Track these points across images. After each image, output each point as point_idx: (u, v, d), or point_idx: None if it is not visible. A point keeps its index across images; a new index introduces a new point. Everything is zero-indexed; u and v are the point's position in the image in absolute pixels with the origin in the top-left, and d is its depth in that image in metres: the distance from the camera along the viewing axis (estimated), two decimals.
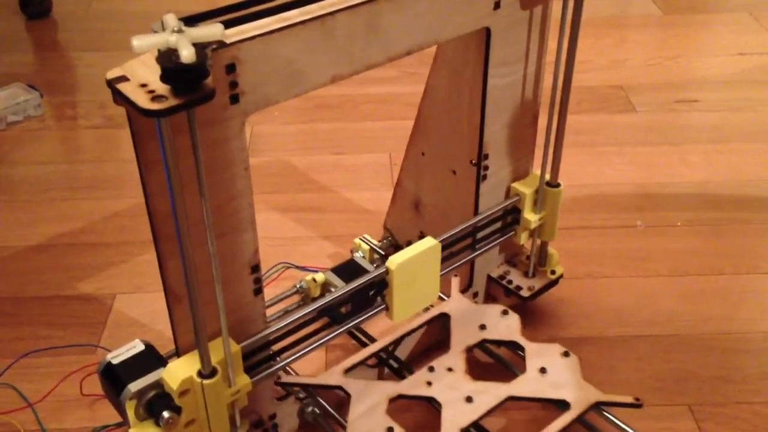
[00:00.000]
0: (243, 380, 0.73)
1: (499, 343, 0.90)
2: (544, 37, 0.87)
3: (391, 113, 1.54)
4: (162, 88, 0.53)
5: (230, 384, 0.72)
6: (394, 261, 0.80)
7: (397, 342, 0.88)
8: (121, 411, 0.71)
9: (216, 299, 0.66)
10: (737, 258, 1.17)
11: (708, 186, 1.33)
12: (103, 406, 0.93)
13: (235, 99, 0.64)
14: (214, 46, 0.60)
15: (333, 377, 0.83)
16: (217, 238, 0.64)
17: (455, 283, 0.94)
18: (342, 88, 1.42)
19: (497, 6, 0.80)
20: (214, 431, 0.72)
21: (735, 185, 1.33)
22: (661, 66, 1.72)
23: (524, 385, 0.83)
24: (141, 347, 0.74)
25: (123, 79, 0.55)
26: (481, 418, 0.80)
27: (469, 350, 0.88)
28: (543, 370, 0.84)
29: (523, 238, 0.97)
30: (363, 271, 0.95)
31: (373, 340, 0.93)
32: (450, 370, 0.85)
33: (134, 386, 0.70)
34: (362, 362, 0.86)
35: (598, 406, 0.81)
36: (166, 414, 0.69)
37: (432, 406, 0.82)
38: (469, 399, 0.81)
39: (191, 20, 0.60)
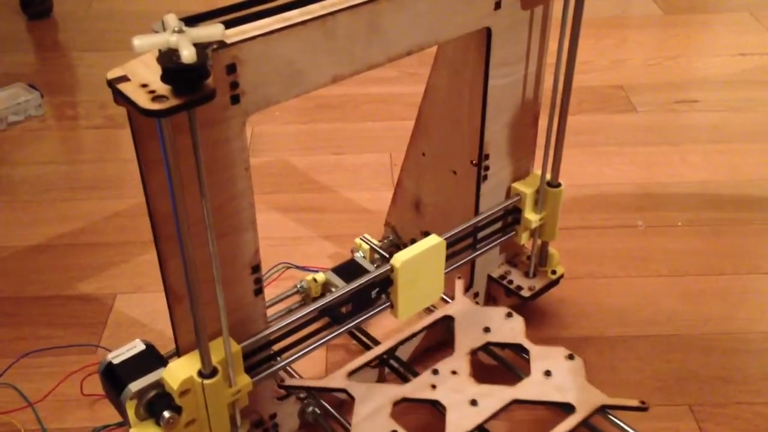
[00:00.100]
0: (243, 380, 0.73)
1: (503, 345, 0.89)
2: (545, 37, 0.87)
3: (392, 113, 1.54)
4: (163, 88, 0.53)
5: (231, 384, 0.72)
6: (399, 258, 0.80)
7: (400, 343, 0.88)
8: (122, 411, 0.71)
9: (216, 299, 0.66)
10: (738, 258, 1.17)
11: (708, 186, 1.33)
12: (103, 406, 0.93)
13: (235, 99, 0.64)
14: (215, 47, 0.60)
15: (337, 380, 0.83)
16: (217, 238, 0.64)
17: (459, 285, 0.94)
18: (343, 89, 1.42)
19: (498, 6, 0.80)
20: (215, 431, 0.72)
21: (735, 185, 1.33)
22: (661, 66, 1.72)
23: (529, 389, 0.83)
24: (141, 347, 0.74)
25: (124, 79, 0.55)
26: (486, 421, 0.80)
27: (474, 353, 0.87)
28: (548, 373, 0.84)
29: (524, 238, 0.97)
30: (363, 271, 0.95)
31: (374, 340, 0.93)
32: (454, 373, 0.84)
33: (135, 386, 0.70)
34: (366, 365, 0.86)
35: (603, 410, 0.81)
36: (166, 414, 0.69)
37: (436, 409, 0.82)
38: (473, 402, 0.81)
39: (192, 20, 0.60)
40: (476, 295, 1.02)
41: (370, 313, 0.84)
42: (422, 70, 0.95)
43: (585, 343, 1.02)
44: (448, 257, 0.88)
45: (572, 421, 0.79)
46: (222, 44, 0.60)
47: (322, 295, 0.98)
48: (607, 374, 0.98)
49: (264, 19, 0.64)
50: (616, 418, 0.82)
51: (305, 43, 0.66)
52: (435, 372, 0.84)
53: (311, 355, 0.81)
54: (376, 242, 1.05)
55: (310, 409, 0.87)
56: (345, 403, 0.88)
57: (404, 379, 0.87)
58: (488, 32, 0.81)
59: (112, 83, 0.55)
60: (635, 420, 0.82)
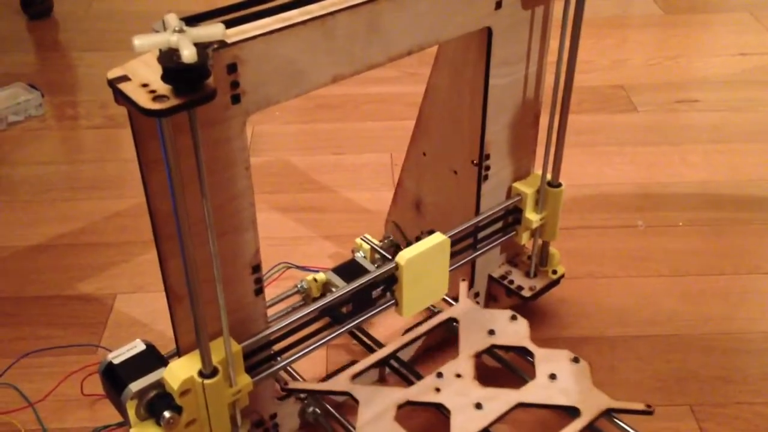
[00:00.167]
0: (244, 380, 0.73)
1: (508, 348, 0.89)
2: (546, 37, 0.87)
3: (392, 113, 1.54)
4: (163, 88, 0.53)
5: (231, 384, 0.72)
6: (404, 256, 0.81)
7: (404, 346, 0.88)
8: (122, 411, 0.71)
9: (217, 299, 0.66)
10: (738, 258, 1.17)
11: (709, 186, 1.33)
12: (103, 406, 0.93)
13: (236, 99, 0.64)
14: (216, 46, 0.60)
15: (340, 383, 0.83)
16: (218, 238, 0.64)
17: (463, 287, 0.94)
18: (343, 88, 1.42)
19: (498, 6, 0.80)
20: (215, 431, 0.72)
21: (736, 185, 1.33)
22: (662, 66, 1.72)
23: (534, 392, 0.83)
24: (142, 347, 0.74)
25: (124, 78, 0.55)
26: (491, 424, 0.79)
27: (478, 356, 0.87)
28: (553, 377, 0.84)
29: (525, 238, 0.97)
30: (364, 271, 0.95)
31: (374, 340, 0.93)
32: (459, 376, 0.84)
33: (135, 386, 0.70)
34: (370, 368, 0.86)
35: (608, 413, 0.81)
36: (167, 414, 0.69)
37: (441, 412, 0.82)
38: (478, 405, 0.80)
39: (192, 20, 0.60)
40: (477, 295, 1.01)
41: (371, 313, 0.84)
42: (423, 70, 0.95)
43: (585, 343, 1.02)
44: (449, 257, 0.87)
45: (577, 424, 0.79)
46: (222, 44, 0.60)
47: (323, 295, 0.98)
48: (607, 374, 0.98)
49: (264, 19, 0.64)
50: (616, 418, 0.82)
51: (305, 43, 0.66)
52: (439, 375, 0.84)
53: (312, 355, 0.81)
54: (376, 242, 1.05)
55: (311, 409, 0.87)
56: (345, 403, 0.88)
57: (405, 380, 0.87)
58: (489, 32, 0.81)
59: (112, 83, 0.55)
60: (636, 420, 0.82)
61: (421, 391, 0.83)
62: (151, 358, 0.73)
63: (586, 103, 1.56)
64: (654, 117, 1.53)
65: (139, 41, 0.51)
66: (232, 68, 0.62)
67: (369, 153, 1.42)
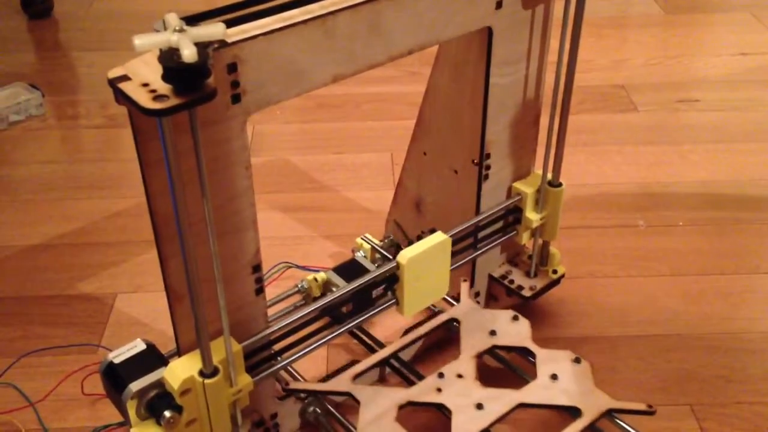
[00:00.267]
0: (244, 380, 0.73)
1: (509, 349, 0.89)
2: (546, 36, 0.87)
3: (393, 113, 1.54)
4: (164, 88, 0.53)
5: (232, 383, 0.72)
6: (405, 255, 0.81)
7: (405, 347, 0.88)
8: (123, 410, 0.71)
9: (217, 299, 0.66)
10: (739, 258, 1.17)
11: (709, 186, 1.33)
12: (104, 406, 0.93)
13: (236, 98, 0.64)
14: (216, 46, 0.60)
15: (341, 383, 0.83)
16: (218, 238, 0.64)
17: (465, 288, 0.94)
18: (343, 88, 1.42)
19: (499, 5, 0.80)
20: (216, 431, 0.72)
21: (736, 185, 1.33)
22: (662, 65, 1.72)
23: (535, 392, 0.83)
24: (142, 346, 0.74)
25: (125, 78, 0.55)
26: (492, 425, 0.79)
27: (479, 356, 0.87)
28: (554, 377, 0.84)
29: (525, 238, 0.97)
30: (364, 271, 0.95)
31: (375, 340, 0.93)
32: (460, 376, 0.84)
33: (135, 385, 0.70)
34: (371, 368, 0.86)
35: (609, 413, 0.81)
36: (167, 413, 0.69)
37: (442, 413, 0.82)
38: (479, 406, 0.80)
39: (193, 20, 0.60)
40: (477, 294, 1.01)
41: (371, 313, 0.84)
42: (423, 70, 0.95)
43: (585, 342, 1.02)
44: (450, 256, 0.88)
45: (579, 425, 0.79)
46: (223, 43, 0.60)
47: (323, 294, 0.98)
48: (608, 374, 0.98)
49: (265, 19, 0.64)
50: (618, 419, 0.82)
51: (306, 43, 0.66)
52: (440, 375, 0.84)
53: (312, 354, 0.81)
54: (377, 242, 1.05)
55: (311, 408, 0.87)
56: (346, 403, 0.88)
57: (406, 380, 0.87)
58: (489, 31, 0.81)
59: (113, 82, 0.55)
60: (636, 420, 0.82)
61: (422, 391, 0.83)
62: (152, 358, 0.73)
63: (587, 103, 1.56)
64: (654, 117, 1.53)
65: (139, 41, 0.51)
66: (233, 68, 0.62)
67: (369, 152, 1.42)
